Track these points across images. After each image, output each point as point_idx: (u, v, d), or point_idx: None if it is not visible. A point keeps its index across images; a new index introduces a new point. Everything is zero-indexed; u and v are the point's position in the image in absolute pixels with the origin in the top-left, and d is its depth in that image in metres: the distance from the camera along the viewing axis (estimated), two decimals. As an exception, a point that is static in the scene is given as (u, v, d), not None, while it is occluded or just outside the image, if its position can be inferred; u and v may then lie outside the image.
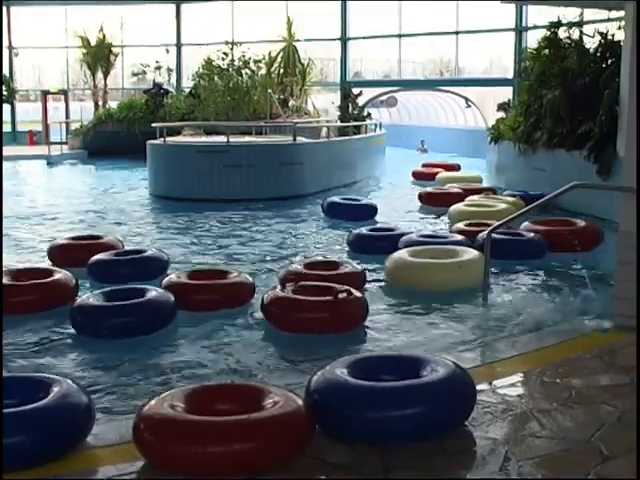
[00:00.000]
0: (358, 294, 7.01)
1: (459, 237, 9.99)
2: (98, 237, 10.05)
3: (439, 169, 21.09)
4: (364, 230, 10.77)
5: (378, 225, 11.83)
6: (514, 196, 13.98)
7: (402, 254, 8.66)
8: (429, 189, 16.26)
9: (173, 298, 6.97)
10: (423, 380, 4.22)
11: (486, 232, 7.87)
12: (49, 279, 7.63)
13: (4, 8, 32.60)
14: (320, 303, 6.70)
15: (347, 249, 10.59)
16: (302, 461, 3.83)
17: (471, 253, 8.57)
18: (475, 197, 14.23)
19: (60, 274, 7.79)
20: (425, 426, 4.06)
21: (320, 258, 9.56)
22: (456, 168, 21.99)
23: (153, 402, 3.98)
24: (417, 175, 21.17)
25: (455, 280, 8.04)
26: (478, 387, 4.52)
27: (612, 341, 5.78)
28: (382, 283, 6.91)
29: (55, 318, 7.12)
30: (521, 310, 7.52)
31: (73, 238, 10.06)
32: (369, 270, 8.77)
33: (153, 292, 7.01)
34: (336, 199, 14.09)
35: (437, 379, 4.20)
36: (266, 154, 17.05)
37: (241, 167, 16.31)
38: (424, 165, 22.58)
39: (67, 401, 4.02)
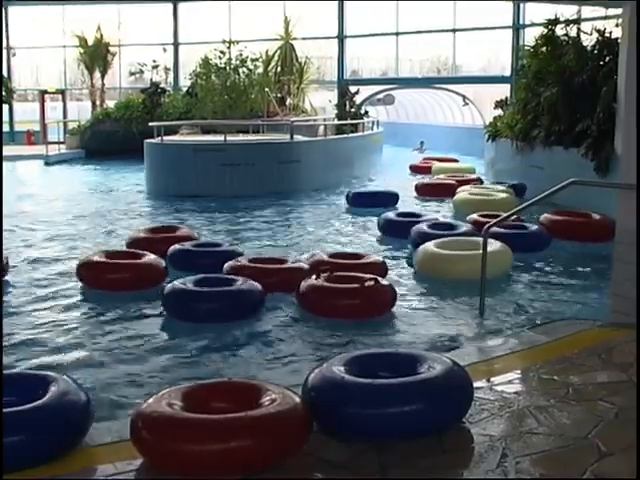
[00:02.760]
0: (385, 282, 7.50)
1: (469, 226, 10.63)
2: (174, 228, 10.64)
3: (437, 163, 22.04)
4: (392, 215, 11.90)
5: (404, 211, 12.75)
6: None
7: (430, 246, 9.11)
8: (425, 180, 17.51)
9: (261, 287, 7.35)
10: (420, 377, 4.22)
11: (484, 228, 7.85)
12: (142, 260, 8.33)
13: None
14: (350, 290, 7.18)
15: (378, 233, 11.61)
16: (300, 459, 3.83)
17: (495, 244, 8.86)
18: (469, 187, 15.25)
19: (151, 257, 8.45)
20: (422, 423, 4.06)
21: (344, 250, 10.11)
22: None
23: (151, 400, 3.98)
24: (414, 169, 22.00)
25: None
26: (475, 384, 4.51)
27: (609, 338, 5.77)
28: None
29: (147, 298, 7.70)
30: (519, 306, 7.55)
31: (151, 230, 10.60)
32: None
33: (243, 281, 7.41)
34: (360, 190, 15.57)
35: (434, 376, 4.20)
36: (263, 152, 17.06)
37: (239, 165, 16.32)
38: (425, 159, 23.50)
39: (65, 400, 4.02)
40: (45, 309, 7.63)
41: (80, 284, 8.33)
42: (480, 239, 9.12)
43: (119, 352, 6.35)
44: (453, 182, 16.36)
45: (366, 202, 14.34)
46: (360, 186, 17.95)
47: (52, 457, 3.84)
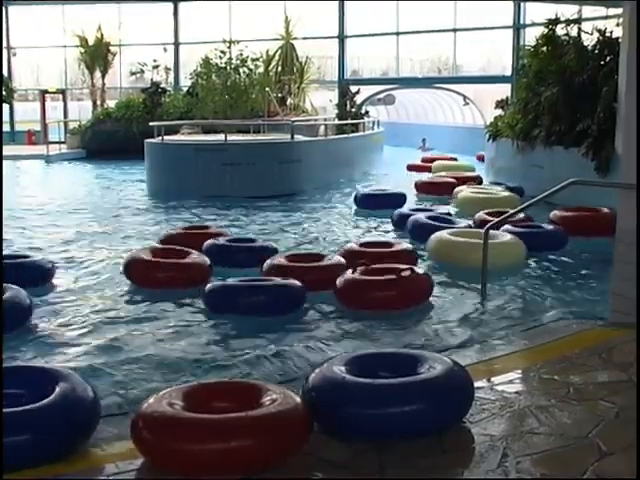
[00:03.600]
0: (421, 271, 7.68)
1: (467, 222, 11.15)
2: (206, 227, 10.95)
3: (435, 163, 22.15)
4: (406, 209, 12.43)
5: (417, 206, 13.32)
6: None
7: (444, 234, 9.37)
8: (424, 179, 17.58)
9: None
10: (420, 377, 4.22)
11: (485, 228, 7.87)
12: (187, 259, 8.41)
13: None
14: (388, 282, 7.29)
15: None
16: (300, 459, 3.83)
17: (507, 236, 9.20)
18: (466, 186, 15.54)
19: (195, 255, 8.56)
20: (423, 423, 4.06)
21: (374, 239, 10.34)
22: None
23: (151, 400, 3.98)
24: (412, 168, 22.18)
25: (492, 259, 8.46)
26: (476, 384, 4.52)
27: (610, 338, 5.78)
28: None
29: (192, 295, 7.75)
30: (520, 306, 7.53)
31: (185, 228, 10.90)
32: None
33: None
34: (368, 190, 15.62)
35: (434, 376, 4.20)
36: (264, 152, 17.06)
37: (239, 165, 16.31)
38: (423, 160, 23.50)
39: (71, 401, 4.00)
40: (90, 304, 7.80)
41: (123, 281, 8.48)
42: (494, 231, 9.44)
43: (157, 346, 6.41)
44: (452, 180, 16.61)
45: (374, 203, 14.46)
46: (362, 186, 17.99)
47: (56, 457, 3.83)
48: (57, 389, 4.03)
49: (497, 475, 3.64)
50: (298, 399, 3.99)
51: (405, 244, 9.20)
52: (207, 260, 8.48)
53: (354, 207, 14.68)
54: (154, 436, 3.75)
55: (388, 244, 9.09)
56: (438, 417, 4.12)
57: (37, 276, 8.31)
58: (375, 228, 12.50)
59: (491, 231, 9.37)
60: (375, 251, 8.58)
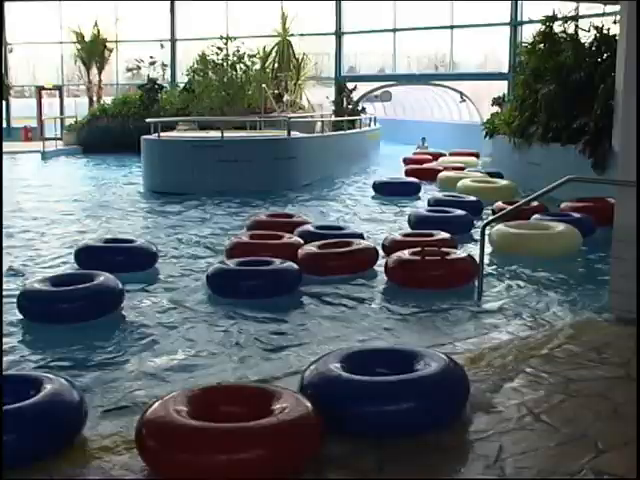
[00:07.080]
0: (461, 255, 8.19)
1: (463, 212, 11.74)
2: (290, 215, 11.48)
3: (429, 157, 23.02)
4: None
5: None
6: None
7: (502, 227, 9.79)
8: (413, 166, 19.66)
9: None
10: (417, 374, 4.21)
11: (482, 226, 7.87)
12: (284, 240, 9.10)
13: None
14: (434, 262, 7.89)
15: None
16: (297, 456, 3.80)
17: (562, 225, 9.74)
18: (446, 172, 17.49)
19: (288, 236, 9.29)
20: (419, 421, 4.05)
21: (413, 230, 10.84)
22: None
23: (156, 405, 3.80)
24: (408, 162, 22.37)
25: (551, 249, 9.28)
26: (472, 379, 4.51)
27: (608, 333, 5.78)
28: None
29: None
30: (518, 301, 7.51)
31: (269, 215, 11.49)
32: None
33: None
34: (385, 179, 16.88)
35: (431, 373, 4.19)
36: (261, 149, 17.03)
37: (236, 162, 16.28)
38: (416, 154, 24.35)
39: (57, 400, 3.93)
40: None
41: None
42: (549, 222, 10.04)
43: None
44: (440, 168, 18.57)
45: (391, 190, 15.79)
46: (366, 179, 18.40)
47: (45, 457, 3.76)
48: (41, 392, 3.93)
49: (494, 472, 3.64)
50: (309, 404, 3.80)
51: (444, 234, 9.46)
52: (300, 240, 9.05)
53: (367, 198, 15.60)
54: (159, 445, 3.59)
55: (429, 235, 9.45)
56: (435, 414, 4.11)
57: (145, 260, 8.67)
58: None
59: (542, 221, 10.24)
60: (417, 240, 8.95)
